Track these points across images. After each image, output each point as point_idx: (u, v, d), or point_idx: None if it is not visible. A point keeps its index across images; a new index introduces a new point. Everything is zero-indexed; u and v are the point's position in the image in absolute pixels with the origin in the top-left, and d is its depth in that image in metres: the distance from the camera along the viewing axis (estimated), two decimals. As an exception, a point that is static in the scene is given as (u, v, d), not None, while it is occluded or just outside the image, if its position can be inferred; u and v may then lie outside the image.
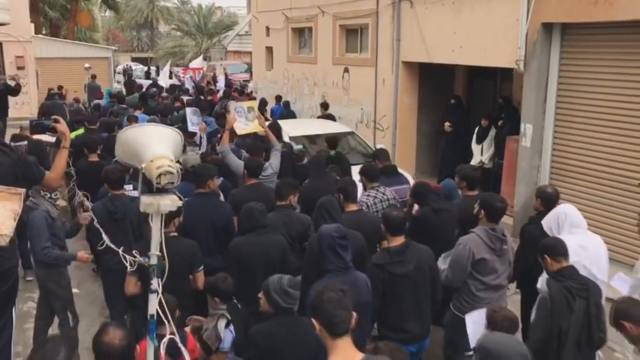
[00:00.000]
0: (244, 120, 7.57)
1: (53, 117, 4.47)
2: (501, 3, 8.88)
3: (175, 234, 4.70)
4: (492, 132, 10.08)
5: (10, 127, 14.59)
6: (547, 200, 5.17)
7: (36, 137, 9.12)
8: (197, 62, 24.08)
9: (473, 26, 9.51)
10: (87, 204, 5.95)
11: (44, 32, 29.35)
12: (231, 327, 4.01)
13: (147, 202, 2.81)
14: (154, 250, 2.90)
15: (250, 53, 22.46)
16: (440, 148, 11.28)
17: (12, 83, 14.66)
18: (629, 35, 7.23)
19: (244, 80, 20.66)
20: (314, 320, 2.79)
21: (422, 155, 12.11)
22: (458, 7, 9.86)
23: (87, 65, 22.00)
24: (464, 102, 11.79)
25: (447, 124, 10.86)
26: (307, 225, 5.14)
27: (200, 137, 8.78)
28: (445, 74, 11.94)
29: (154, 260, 2.89)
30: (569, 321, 3.85)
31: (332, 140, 8.17)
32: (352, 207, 5.21)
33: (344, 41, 14.07)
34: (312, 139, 9.72)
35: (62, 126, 4.33)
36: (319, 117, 13.99)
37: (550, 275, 4.13)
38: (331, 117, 13.80)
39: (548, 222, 4.82)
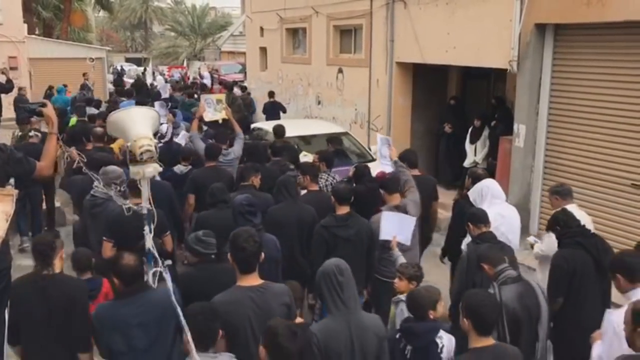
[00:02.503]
0: (212, 111, 8.45)
1: (40, 100, 4.39)
2: (494, 4, 8.90)
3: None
4: (486, 132, 10.10)
5: (3, 127, 14.53)
6: (477, 180, 5.85)
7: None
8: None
9: (466, 27, 9.52)
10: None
11: (37, 32, 29.14)
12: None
13: (135, 171, 3.70)
14: (145, 204, 3.85)
15: (244, 53, 22.44)
16: (441, 150, 11.27)
17: (2, 79, 14.54)
18: (622, 36, 7.27)
19: (239, 81, 20.98)
20: (229, 255, 3.69)
21: (416, 155, 12.12)
22: (451, 8, 9.88)
23: (91, 57, 22.40)
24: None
25: (447, 125, 10.86)
26: (265, 202, 5.71)
27: (167, 127, 9.40)
28: (439, 74, 11.95)
29: (145, 210, 3.87)
30: (481, 276, 4.39)
31: (279, 130, 8.57)
32: (314, 187, 6.10)
33: (338, 42, 14.08)
34: (306, 139, 9.71)
35: (49, 110, 4.18)
36: (265, 104, 14.91)
37: (472, 239, 4.82)
38: (278, 105, 14.71)
39: (473, 194, 5.63)
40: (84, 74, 20.64)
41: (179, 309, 3.40)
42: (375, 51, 12.20)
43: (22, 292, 3.90)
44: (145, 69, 31.83)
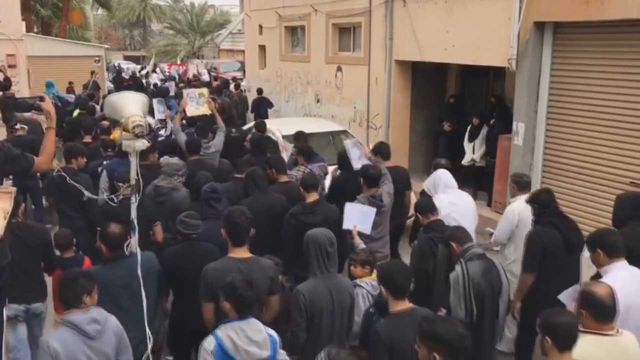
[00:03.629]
0: (195, 104, 8.70)
1: (38, 95, 4.41)
2: (493, 2, 8.89)
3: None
4: (484, 130, 10.09)
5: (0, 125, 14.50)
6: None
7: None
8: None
9: (465, 25, 9.52)
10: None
11: (35, 30, 29.10)
12: None
13: (127, 144, 4.10)
14: (133, 175, 4.23)
15: (243, 51, 22.45)
16: (439, 148, 11.23)
17: (0, 77, 14.52)
18: (621, 34, 7.26)
19: (238, 79, 21.11)
20: (223, 230, 4.21)
21: (414, 153, 12.12)
22: (450, 6, 9.87)
23: (96, 58, 22.81)
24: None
25: (446, 124, 10.83)
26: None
27: (166, 122, 9.89)
28: (438, 72, 11.95)
29: (133, 182, 4.24)
30: (434, 263, 4.79)
31: (261, 125, 9.24)
32: (283, 178, 6.24)
33: (337, 40, 14.07)
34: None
35: (48, 105, 4.14)
36: (254, 100, 15.42)
37: (421, 228, 5.15)
38: (266, 101, 15.33)
39: (428, 184, 6.09)
40: (92, 72, 20.98)
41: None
42: (374, 49, 12.19)
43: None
44: (142, 67, 31.90)
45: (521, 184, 5.79)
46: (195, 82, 19.70)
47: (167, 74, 23.75)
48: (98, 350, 3.51)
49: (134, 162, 4.34)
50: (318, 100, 14.81)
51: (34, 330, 5.16)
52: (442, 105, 11.82)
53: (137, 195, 4.29)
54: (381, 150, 6.76)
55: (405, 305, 3.63)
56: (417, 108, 12.06)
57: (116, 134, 8.58)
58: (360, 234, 5.37)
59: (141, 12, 54.31)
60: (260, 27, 17.50)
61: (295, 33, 16.29)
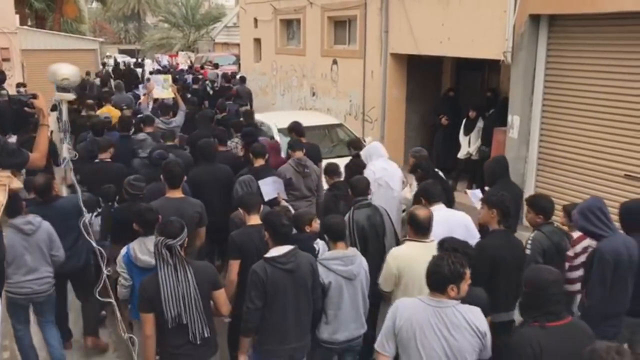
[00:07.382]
0: (160, 88, 10.31)
1: (31, 92, 4.39)
2: (489, -6, 8.89)
3: (109, 160, 6.82)
4: (480, 123, 10.10)
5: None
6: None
7: None
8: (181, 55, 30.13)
9: (461, 18, 9.52)
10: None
11: (29, 23, 28.90)
12: None
13: (58, 94, 5.28)
14: (65, 119, 5.65)
15: (238, 45, 22.37)
16: (436, 141, 11.23)
17: None
18: (616, 26, 7.28)
19: (231, 72, 20.98)
20: (162, 176, 5.37)
21: (410, 146, 11.99)
22: (446, -1, 9.86)
23: (108, 54, 23.39)
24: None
25: (443, 117, 10.81)
26: (188, 159, 7.16)
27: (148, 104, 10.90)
28: (434, 65, 11.95)
29: (66, 126, 5.72)
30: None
31: (222, 107, 10.85)
32: (222, 148, 7.39)
33: (332, 33, 14.05)
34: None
35: (41, 102, 4.12)
36: (235, 87, 15.40)
37: (328, 187, 6.18)
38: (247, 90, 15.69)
39: (364, 153, 6.98)
40: (103, 64, 22.91)
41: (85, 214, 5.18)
42: (370, 42, 12.18)
43: None
44: (138, 59, 32.03)
45: (420, 158, 6.91)
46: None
47: (174, 65, 25.20)
48: (33, 244, 4.88)
49: (64, 110, 5.61)
50: (314, 94, 14.80)
51: None
52: (438, 99, 11.83)
53: (69, 137, 5.78)
54: (295, 129, 7.82)
55: (256, 221, 4.69)
56: (412, 101, 12.06)
57: (104, 110, 10.11)
58: (288, 192, 6.42)
59: (136, 5, 54.00)
60: (256, 20, 17.46)
61: (290, 26, 16.25)
